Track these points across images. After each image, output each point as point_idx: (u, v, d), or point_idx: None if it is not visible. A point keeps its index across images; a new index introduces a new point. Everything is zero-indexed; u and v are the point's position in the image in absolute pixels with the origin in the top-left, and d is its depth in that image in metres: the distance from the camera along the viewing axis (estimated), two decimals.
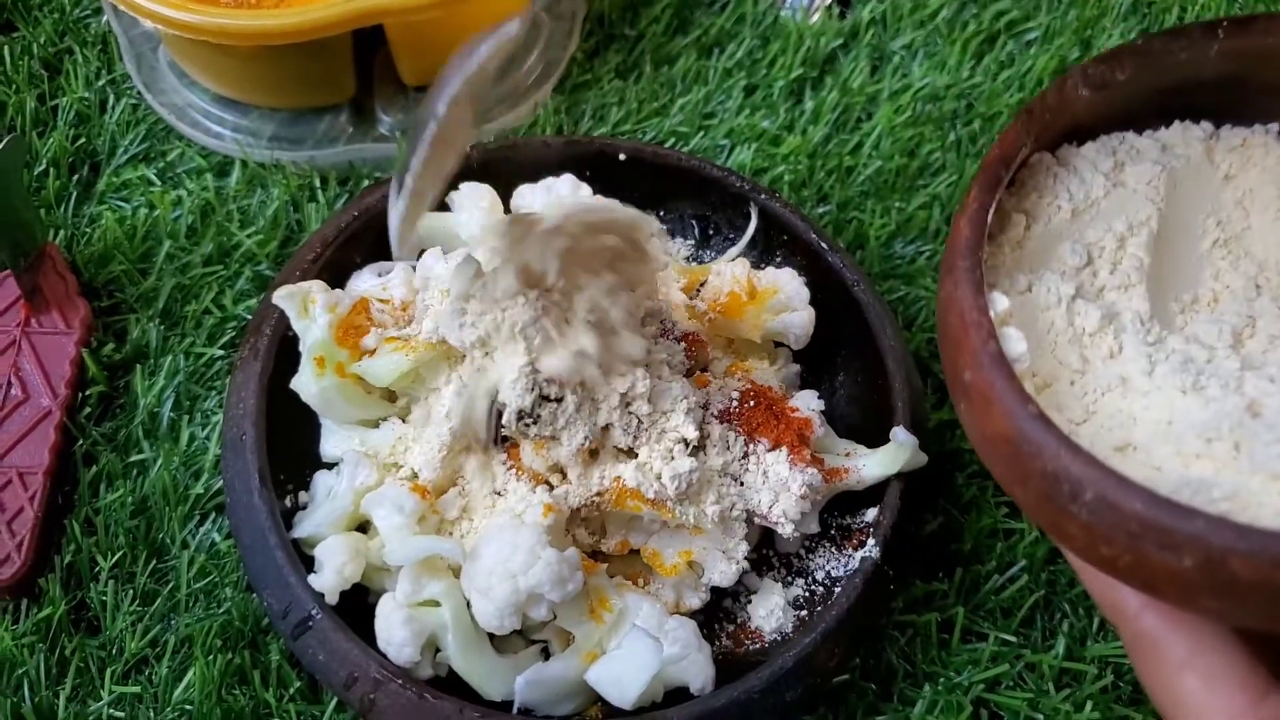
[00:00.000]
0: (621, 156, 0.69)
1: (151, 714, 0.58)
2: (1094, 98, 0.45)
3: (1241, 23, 0.43)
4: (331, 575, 0.52)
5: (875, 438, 0.62)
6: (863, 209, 0.79)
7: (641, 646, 0.51)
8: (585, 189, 0.68)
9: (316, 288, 0.57)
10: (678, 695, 0.53)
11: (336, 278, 0.63)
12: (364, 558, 0.53)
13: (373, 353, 0.57)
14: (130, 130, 0.79)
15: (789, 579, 0.60)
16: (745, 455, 0.57)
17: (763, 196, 0.68)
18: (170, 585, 0.62)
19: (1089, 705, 0.61)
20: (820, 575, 0.59)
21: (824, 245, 0.66)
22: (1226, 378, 0.41)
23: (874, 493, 0.60)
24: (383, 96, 0.80)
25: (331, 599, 0.53)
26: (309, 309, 0.57)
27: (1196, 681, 0.37)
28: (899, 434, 0.57)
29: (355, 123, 0.79)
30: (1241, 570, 0.32)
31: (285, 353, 0.59)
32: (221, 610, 0.60)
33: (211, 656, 0.58)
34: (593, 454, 0.55)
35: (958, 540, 0.66)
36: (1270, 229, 0.47)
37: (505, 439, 0.54)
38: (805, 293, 0.64)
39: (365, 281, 0.63)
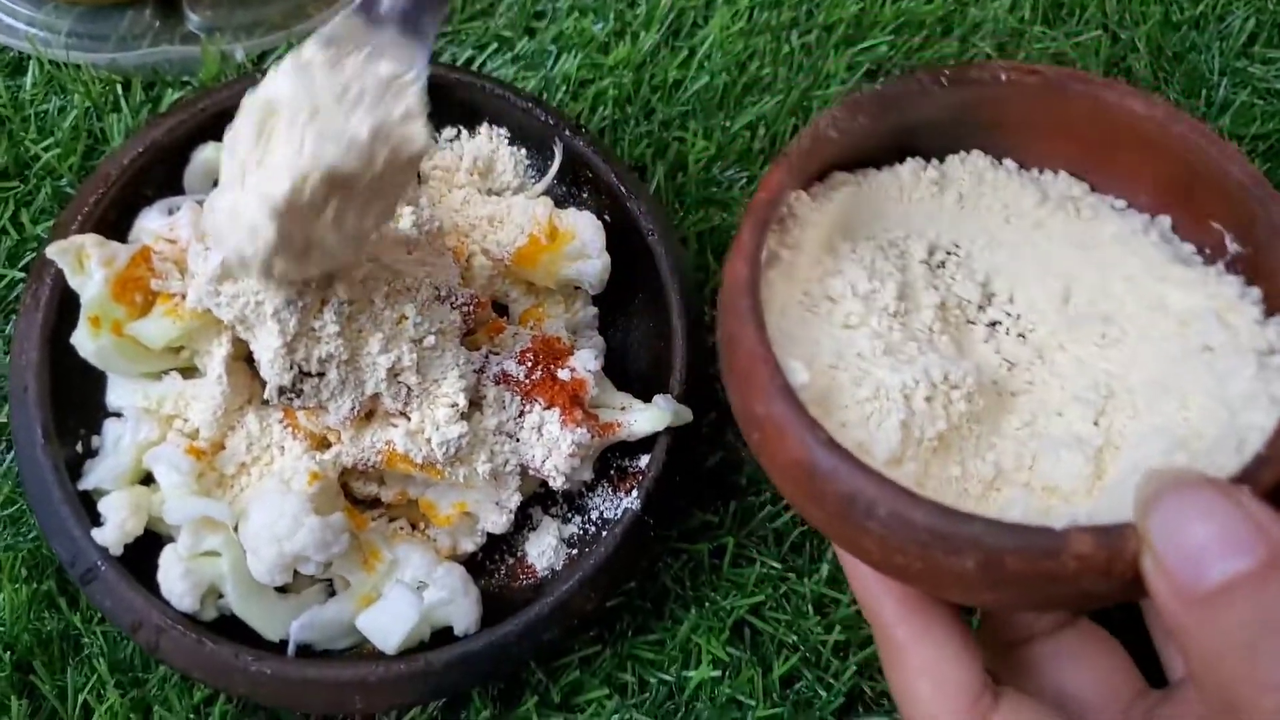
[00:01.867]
0: None
1: None
2: (840, 140, 0.46)
3: (961, 70, 0.45)
4: (114, 530, 0.55)
5: (659, 384, 0.65)
6: (685, 129, 0.79)
7: (402, 599, 0.56)
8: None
9: (90, 242, 0.57)
10: (444, 635, 0.59)
11: (125, 215, 0.63)
12: (145, 512, 0.56)
13: (149, 309, 0.57)
14: None
15: (568, 515, 0.65)
16: (521, 414, 0.60)
17: (568, 133, 0.68)
18: None
19: (838, 628, 0.68)
20: (595, 515, 0.64)
21: (624, 189, 0.67)
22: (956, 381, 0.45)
23: (650, 439, 0.64)
24: None
25: (115, 551, 0.56)
26: (84, 264, 0.57)
27: (929, 686, 0.44)
28: (660, 401, 0.60)
29: (160, 20, 0.75)
30: (1014, 565, 0.37)
31: (70, 300, 0.59)
32: (30, 536, 0.63)
33: (18, 585, 0.61)
34: (368, 415, 0.58)
35: (736, 472, 0.71)
36: (998, 241, 0.50)
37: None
38: (601, 239, 0.66)
39: (153, 220, 0.62)
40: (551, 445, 0.60)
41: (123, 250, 0.58)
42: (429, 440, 0.57)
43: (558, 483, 0.60)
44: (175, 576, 0.55)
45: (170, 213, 0.63)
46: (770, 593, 0.69)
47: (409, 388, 0.56)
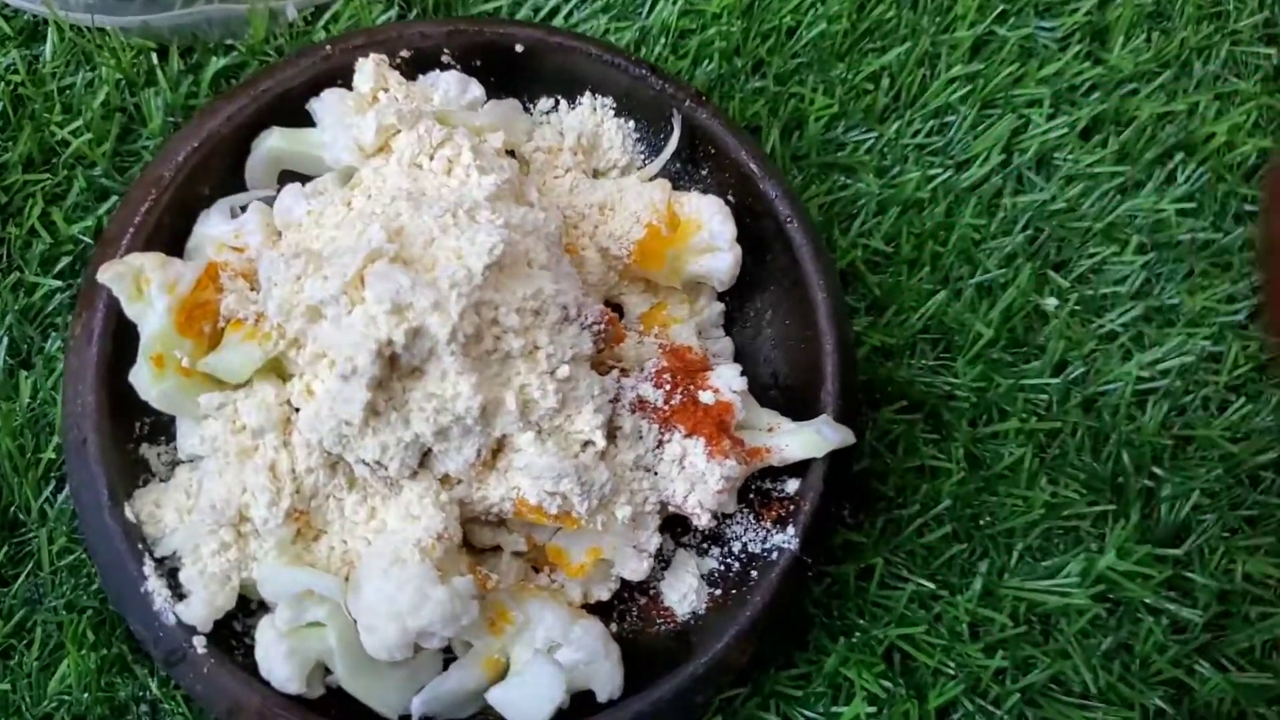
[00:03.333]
0: (518, 48, 0.57)
1: (25, 708, 0.54)
2: None
3: None
4: (202, 608, 0.48)
5: (801, 392, 0.57)
6: (803, 83, 0.69)
7: (544, 676, 0.49)
8: (476, 88, 0.57)
9: (150, 265, 0.48)
10: (584, 698, 0.51)
11: (180, 219, 0.53)
12: (237, 583, 0.48)
13: (218, 339, 0.48)
14: None
15: (704, 546, 0.57)
16: (659, 445, 0.51)
17: (688, 103, 0.58)
18: (31, 563, 0.56)
19: (999, 653, 0.61)
20: (737, 548, 0.56)
21: (756, 169, 0.57)
22: None
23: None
24: None
25: (204, 629, 0.48)
26: (143, 291, 0.48)
27: None
28: (819, 426, 0.52)
29: None
30: None
31: (127, 327, 0.50)
32: (93, 589, 0.56)
33: (85, 652, 0.54)
34: (493, 454, 0.49)
35: (882, 481, 0.63)
36: None
37: None
38: (731, 229, 0.56)
39: (215, 226, 0.53)
40: (696, 479, 0.51)
41: (188, 271, 0.49)
42: (563, 494, 0.48)
43: (703, 521, 0.52)
44: (278, 658, 0.47)
45: (233, 215, 0.54)
46: (923, 615, 0.61)
47: (540, 427, 0.48)
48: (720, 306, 0.60)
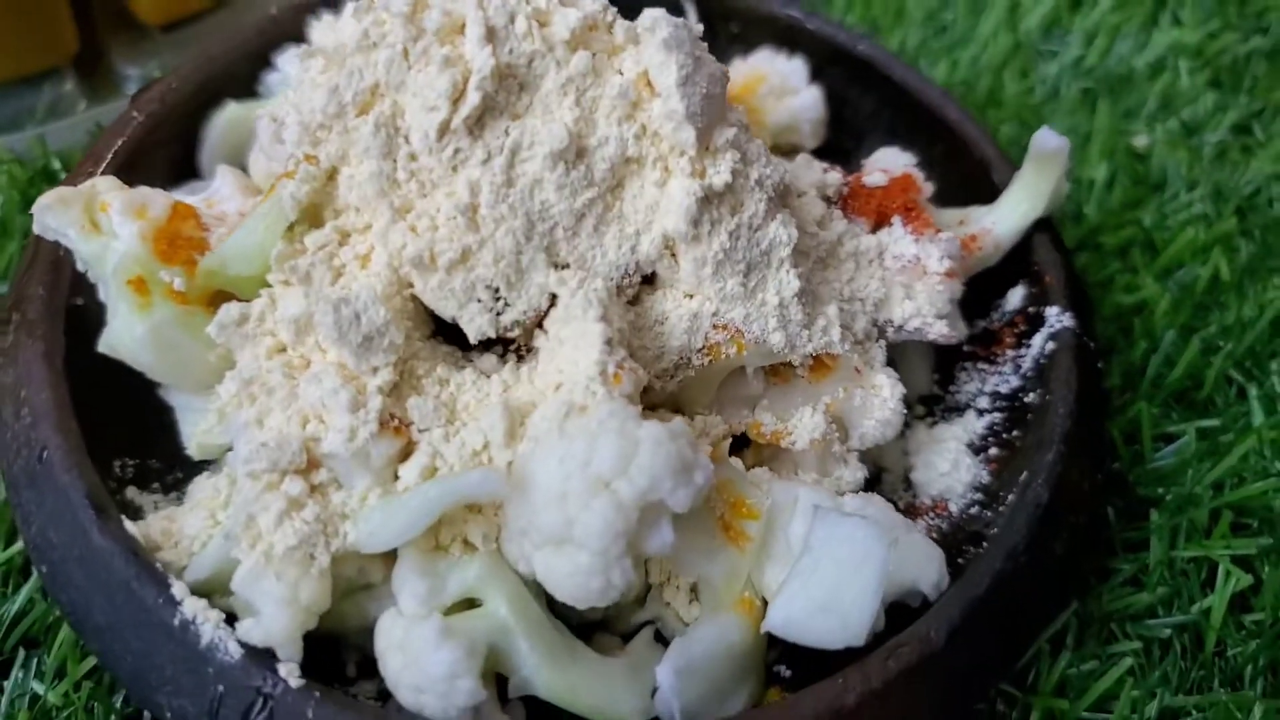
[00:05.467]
0: None
1: None
2: None
3: None
4: (280, 614, 0.28)
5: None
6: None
7: (845, 536, 0.30)
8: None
9: (105, 185, 0.34)
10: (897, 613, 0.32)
11: None
12: (327, 562, 0.29)
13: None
14: None
15: (946, 419, 0.41)
16: (840, 243, 0.37)
17: None
18: None
19: None
20: (985, 402, 0.40)
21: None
22: None
23: (999, 276, 0.42)
24: (120, 47, 0.57)
25: (289, 654, 0.29)
26: (99, 224, 0.33)
27: None
28: (1046, 137, 0.39)
29: (87, 88, 0.55)
30: None
31: (77, 321, 0.35)
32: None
33: None
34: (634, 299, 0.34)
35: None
36: None
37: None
38: (800, 68, 0.47)
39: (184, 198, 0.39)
40: (910, 275, 0.37)
41: (157, 196, 0.35)
42: (762, 304, 0.33)
43: (936, 330, 0.37)
44: (428, 644, 0.28)
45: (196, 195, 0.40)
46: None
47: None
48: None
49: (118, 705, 0.36)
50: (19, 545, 0.39)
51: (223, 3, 0.58)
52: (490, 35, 0.31)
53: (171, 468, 0.36)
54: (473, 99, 0.30)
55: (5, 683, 0.37)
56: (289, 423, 0.30)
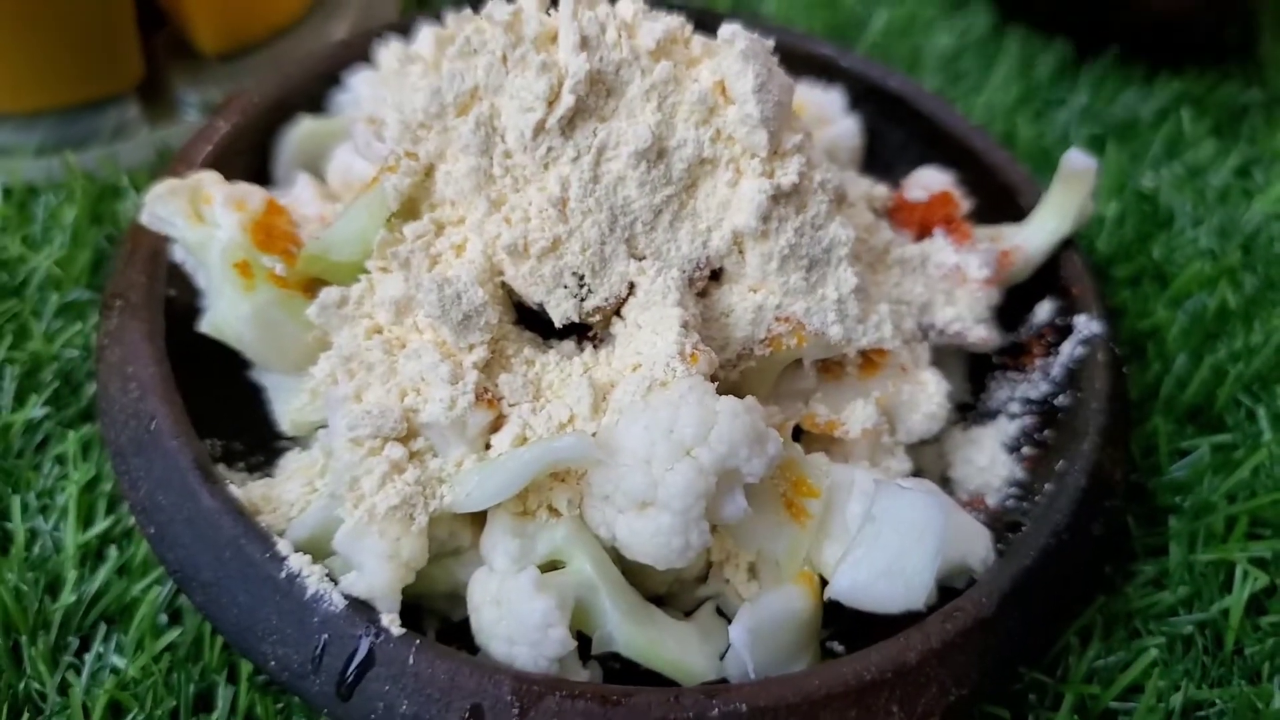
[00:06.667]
0: None
1: None
2: None
3: None
4: (382, 568, 0.30)
5: None
6: None
7: (907, 506, 0.32)
8: None
9: (210, 179, 0.36)
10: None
11: None
12: (425, 522, 0.31)
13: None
14: None
15: (979, 422, 0.43)
16: (888, 249, 0.40)
17: None
18: None
19: None
20: (1016, 408, 0.43)
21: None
22: None
23: (1026, 291, 0.45)
24: (180, 74, 0.60)
25: (389, 605, 0.30)
26: (202, 212, 0.36)
27: None
28: (1075, 157, 0.42)
29: (149, 112, 0.58)
30: None
31: (175, 312, 0.37)
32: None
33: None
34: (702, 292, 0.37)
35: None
36: None
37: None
38: (837, 99, 0.50)
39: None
40: (951, 281, 0.40)
41: (255, 191, 0.37)
42: (822, 299, 0.36)
43: (976, 334, 0.40)
44: (523, 595, 0.30)
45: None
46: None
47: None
48: None
49: (195, 676, 0.37)
50: (97, 529, 0.41)
51: (275, 36, 0.62)
52: (583, 44, 0.34)
53: (253, 450, 0.38)
54: (567, 101, 0.33)
55: (86, 656, 0.38)
56: (388, 395, 0.32)
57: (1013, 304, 0.45)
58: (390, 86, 0.36)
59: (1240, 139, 0.65)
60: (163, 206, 0.35)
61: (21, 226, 0.52)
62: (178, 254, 0.38)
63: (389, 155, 0.35)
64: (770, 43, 0.36)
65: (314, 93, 0.47)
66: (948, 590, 0.35)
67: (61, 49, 0.55)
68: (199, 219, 0.36)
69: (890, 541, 0.32)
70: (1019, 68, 0.68)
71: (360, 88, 0.47)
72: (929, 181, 0.43)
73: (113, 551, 0.41)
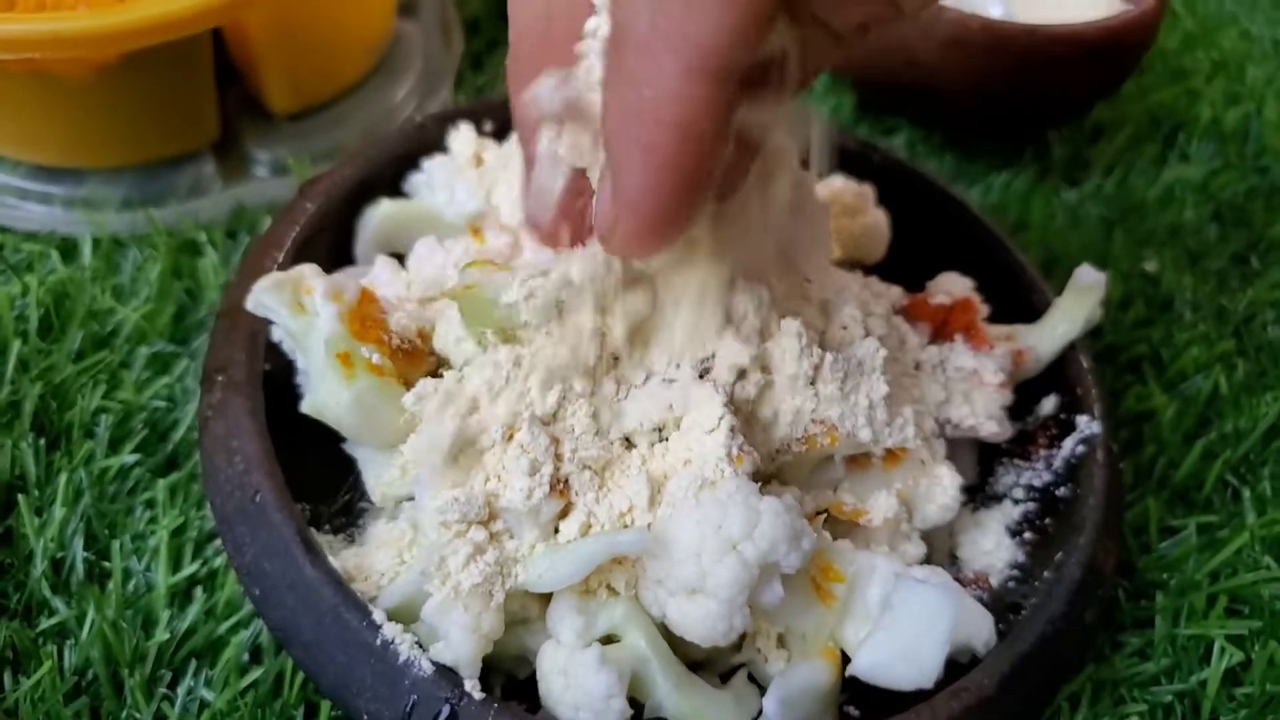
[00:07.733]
0: None
1: None
2: None
3: None
4: (465, 641, 0.35)
5: None
6: None
7: (922, 598, 0.37)
8: None
9: (310, 272, 0.41)
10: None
11: None
12: (501, 598, 0.36)
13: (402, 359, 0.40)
14: None
15: (985, 505, 0.48)
16: (910, 355, 0.45)
17: None
18: None
19: None
20: (1020, 493, 0.47)
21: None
22: None
23: (1035, 386, 0.49)
24: (252, 134, 0.64)
25: (470, 673, 0.35)
26: (304, 302, 0.40)
27: None
28: (1085, 273, 0.47)
29: (223, 171, 0.62)
30: None
31: (272, 386, 0.42)
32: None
33: None
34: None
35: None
36: None
37: None
38: (869, 191, 0.54)
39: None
40: (968, 383, 0.44)
41: (350, 282, 0.42)
42: (854, 405, 0.40)
43: (989, 430, 0.44)
44: (588, 669, 0.34)
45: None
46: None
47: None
48: None
49: (277, 708, 0.42)
50: (185, 572, 0.46)
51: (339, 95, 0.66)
52: None
53: (336, 514, 0.42)
54: None
55: (179, 689, 0.43)
56: (474, 481, 0.37)
57: (1022, 395, 0.49)
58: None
59: (1240, 225, 0.69)
60: (269, 297, 0.40)
61: (109, 278, 0.57)
62: (275, 334, 0.43)
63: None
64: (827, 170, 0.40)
65: (389, 174, 0.52)
66: (952, 663, 0.39)
67: (147, 107, 0.59)
68: (300, 309, 0.40)
69: (907, 628, 0.37)
70: (1032, 149, 0.73)
71: (435, 172, 0.51)
72: (951, 286, 0.47)
73: (199, 593, 0.45)
